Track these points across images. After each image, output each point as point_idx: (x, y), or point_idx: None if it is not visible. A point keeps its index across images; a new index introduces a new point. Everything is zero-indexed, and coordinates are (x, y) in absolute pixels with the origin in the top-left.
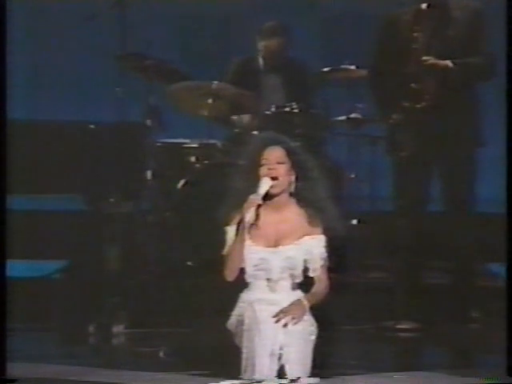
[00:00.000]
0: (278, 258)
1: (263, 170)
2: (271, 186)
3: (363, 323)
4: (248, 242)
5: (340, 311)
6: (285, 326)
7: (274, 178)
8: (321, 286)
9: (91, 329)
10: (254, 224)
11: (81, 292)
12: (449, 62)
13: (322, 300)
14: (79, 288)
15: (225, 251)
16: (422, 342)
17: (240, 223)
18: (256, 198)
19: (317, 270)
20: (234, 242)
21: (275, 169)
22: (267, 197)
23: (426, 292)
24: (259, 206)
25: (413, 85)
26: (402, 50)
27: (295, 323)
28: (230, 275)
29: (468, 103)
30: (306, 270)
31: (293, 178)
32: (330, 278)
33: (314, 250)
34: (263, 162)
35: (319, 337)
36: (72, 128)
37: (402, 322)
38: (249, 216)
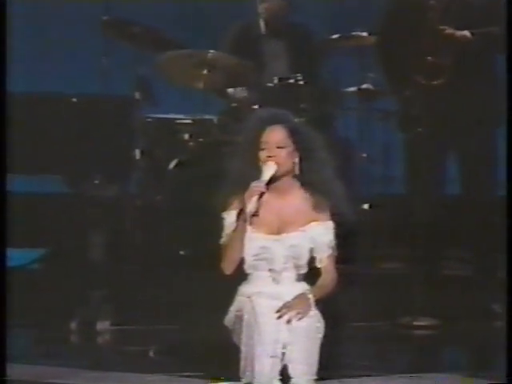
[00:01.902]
0: (281, 247)
1: (262, 155)
2: (275, 171)
3: (376, 319)
4: (248, 229)
5: (350, 306)
6: (288, 322)
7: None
8: (328, 277)
9: (73, 325)
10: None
11: (61, 284)
12: (467, 33)
13: (329, 293)
14: (59, 280)
15: (222, 241)
16: (442, 341)
17: (240, 213)
18: (259, 186)
19: (323, 260)
20: (234, 232)
21: (275, 155)
22: (270, 184)
23: (445, 284)
24: (262, 194)
25: (429, 58)
26: (417, 18)
27: (300, 319)
28: (229, 268)
29: (488, 77)
30: (311, 259)
31: (296, 159)
32: (338, 269)
33: (320, 238)
34: (262, 145)
35: (326, 334)
36: (51, 101)
37: (419, 318)
38: (251, 206)
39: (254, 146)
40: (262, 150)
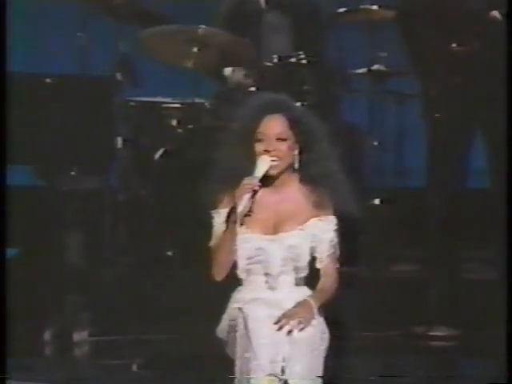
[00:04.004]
0: (278, 248)
1: (259, 148)
2: (270, 167)
3: (387, 329)
4: (241, 229)
5: (358, 313)
6: (289, 333)
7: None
8: (328, 280)
9: (47, 336)
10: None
11: (34, 289)
12: (496, 13)
13: (331, 299)
14: (32, 284)
15: (212, 243)
16: (461, 353)
17: (231, 212)
18: (252, 183)
19: (324, 260)
20: (224, 234)
21: (275, 149)
22: (265, 178)
23: (465, 289)
24: (255, 192)
25: (454, 37)
26: None
27: (302, 329)
28: (220, 274)
29: None
30: (312, 259)
31: (296, 151)
32: (344, 272)
33: (322, 235)
34: (259, 136)
35: (331, 346)
36: (22, 81)
37: (435, 327)
38: (242, 206)
39: (250, 136)
40: (259, 141)
